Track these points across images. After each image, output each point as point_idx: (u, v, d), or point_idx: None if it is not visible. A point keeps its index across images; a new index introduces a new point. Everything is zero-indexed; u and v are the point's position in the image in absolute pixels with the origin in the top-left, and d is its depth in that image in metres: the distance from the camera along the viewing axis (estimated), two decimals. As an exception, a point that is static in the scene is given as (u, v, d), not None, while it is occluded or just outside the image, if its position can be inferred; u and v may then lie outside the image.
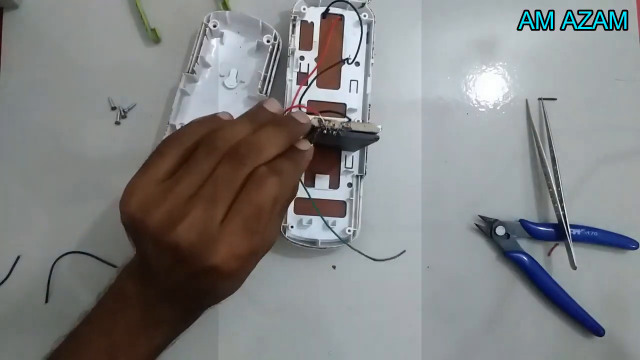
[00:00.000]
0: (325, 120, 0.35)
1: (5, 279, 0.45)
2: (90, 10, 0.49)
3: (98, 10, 0.49)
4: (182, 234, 0.26)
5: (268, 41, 0.46)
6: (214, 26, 0.46)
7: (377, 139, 0.38)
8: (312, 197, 0.38)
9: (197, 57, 0.45)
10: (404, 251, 0.37)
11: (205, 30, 0.46)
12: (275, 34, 0.46)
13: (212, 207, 0.27)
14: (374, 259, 0.38)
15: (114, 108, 0.48)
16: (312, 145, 0.33)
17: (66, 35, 0.49)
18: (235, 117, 0.33)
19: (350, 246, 0.39)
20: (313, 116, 0.34)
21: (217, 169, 0.28)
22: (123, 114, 0.48)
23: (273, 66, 0.46)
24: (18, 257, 0.45)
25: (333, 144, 0.35)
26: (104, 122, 0.48)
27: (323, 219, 0.42)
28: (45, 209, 0.46)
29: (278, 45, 0.46)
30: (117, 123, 0.48)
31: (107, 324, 0.31)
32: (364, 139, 0.37)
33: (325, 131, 0.34)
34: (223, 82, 0.47)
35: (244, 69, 0.47)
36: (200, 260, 0.27)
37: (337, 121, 0.35)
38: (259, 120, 0.31)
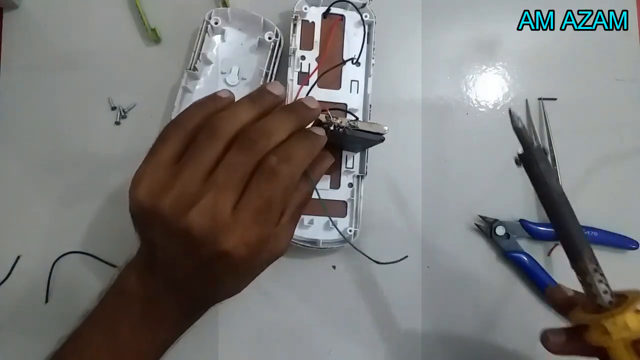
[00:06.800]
0: (332, 116, 0.34)
1: (5, 279, 0.45)
2: (90, 10, 0.49)
3: (98, 10, 0.49)
4: (194, 218, 0.26)
5: (270, 38, 0.46)
6: (216, 23, 0.46)
7: (382, 140, 0.38)
8: (313, 197, 0.38)
9: (198, 54, 0.45)
10: (407, 256, 0.36)
11: (206, 27, 0.46)
12: (277, 30, 0.46)
13: (223, 193, 0.27)
14: (377, 262, 0.38)
15: (114, 108, 0.48)
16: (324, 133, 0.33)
17: (66, 35, 0.49)
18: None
19: (353, 246, 0.39)
20: (321, 110, 0.33)
21: (227, 155, 0.28)
22: (123, 114, 0.48)
23: (275, 63, 0.46)
24: (18, 257, 0.45)
25: (337, 143, 0.34)
26: (104, 122, 0.48)
27: (330, 219, 0.43)
28: (45, 209, 0.46)
29: (280, 42, 0.46)
30: (117, 123, 0.48)
31: (109, 321, 0.30)
32: (369, 139, 0.37)
33: (332, 128, 0.34)
34: (225, 79, 0.47)
35: (245, 66, 0.47)
36: (212, 245, 0.27)
37: (345, 119, 0.35)
38: (263, 103, 0.30)
